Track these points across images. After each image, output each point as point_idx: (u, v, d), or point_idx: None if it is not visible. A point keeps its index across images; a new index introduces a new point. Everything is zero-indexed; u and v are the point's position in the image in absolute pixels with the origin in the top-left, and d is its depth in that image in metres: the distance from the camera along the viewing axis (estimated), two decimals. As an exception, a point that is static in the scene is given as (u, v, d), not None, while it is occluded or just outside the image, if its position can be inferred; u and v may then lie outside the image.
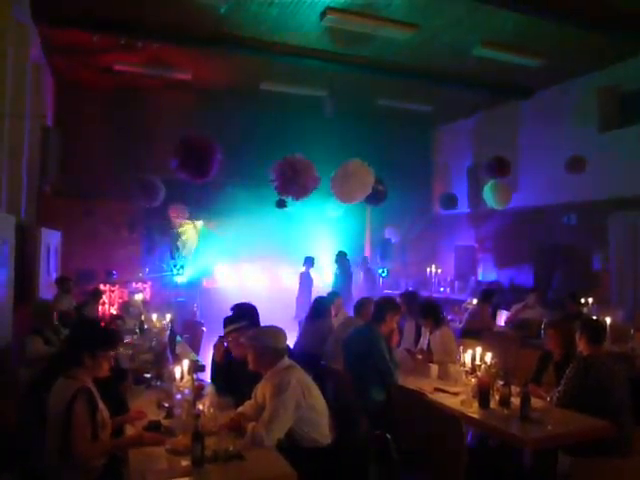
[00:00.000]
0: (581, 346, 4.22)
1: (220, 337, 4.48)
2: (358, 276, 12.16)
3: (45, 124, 9.72)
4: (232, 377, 4.22)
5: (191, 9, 8.24)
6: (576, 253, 10.96)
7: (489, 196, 10.73)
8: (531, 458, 3.79)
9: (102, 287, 10.02)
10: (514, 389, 4.02)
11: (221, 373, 4.42)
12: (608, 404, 3.80)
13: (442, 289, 12.92)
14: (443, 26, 8.71)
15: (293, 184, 6.93)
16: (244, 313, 4.52)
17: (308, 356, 5.38)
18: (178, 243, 12.98)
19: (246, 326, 4.18)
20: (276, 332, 3.70)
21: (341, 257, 10.97)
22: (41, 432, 3.17)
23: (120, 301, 10.29)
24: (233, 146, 10.67)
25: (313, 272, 11.50)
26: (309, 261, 11.34)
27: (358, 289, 11.61)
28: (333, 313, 6.57)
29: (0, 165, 6.69)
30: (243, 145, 12.10)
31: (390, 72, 10.70)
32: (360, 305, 5.93)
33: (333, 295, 6.93)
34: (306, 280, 11.24)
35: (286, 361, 3.60)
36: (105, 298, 10.32)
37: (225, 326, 4.37)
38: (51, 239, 8.89)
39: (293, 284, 11.91)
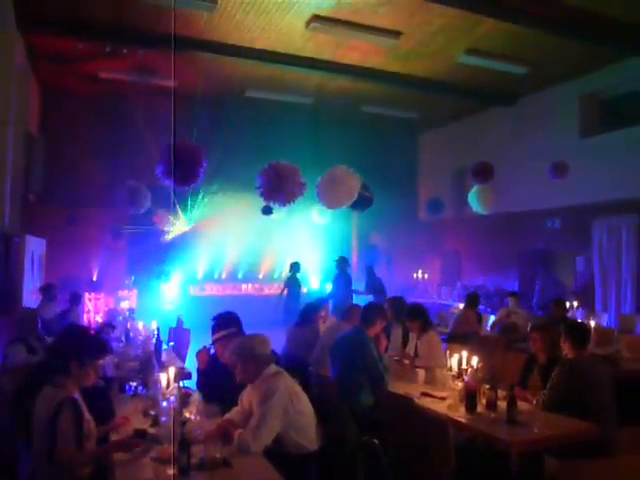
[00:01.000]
0: (566, 349, 4.26)
1: (203, 346, 4.47)
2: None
3: (30, 132, 9.65)
4: (218, 384, 4.20)
5: (176, 16, 8.24)
6: (560, 257, 11.08)
7: (474, 201, 10.80)
8: (517, 461, 3.81)
9: (87, 295, 9.95)
10: (500, 393, 4.04)
11: (207, 381, 4.40)
12: (593, 406, 3.84)
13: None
14: (427, 34, 8.79)
15: (278, 190, 6.94)
16: (231, 321, 4.51)
17: (295, 362, 5.37)
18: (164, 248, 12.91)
19: (235, 333, 4.17)
20: (259, 340, 3.68)
21: (342, 263, 10.97)
22: (26, 441, 3.13)
23: (105, 309, 10.21)
24: (219, 153, 10.66)
25: (299, 277, 11.48)
26: (295, 266, 11.34)
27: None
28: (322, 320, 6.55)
29: (-17, 173, 6.63)
30: (229, 152, 12.09)
31: (375, 79, 10.77)
32: (349, 310, 5.94)
33: (322, 301, 6.93)
34: (292, 285, 11.22)
35: (273, 368, 3.58)
36: (90, 306, 10.24)
37: (214, 333, 4.35)
38: (35, 247, 8.82)
39: (279, 290, 11.87)
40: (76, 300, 8.28)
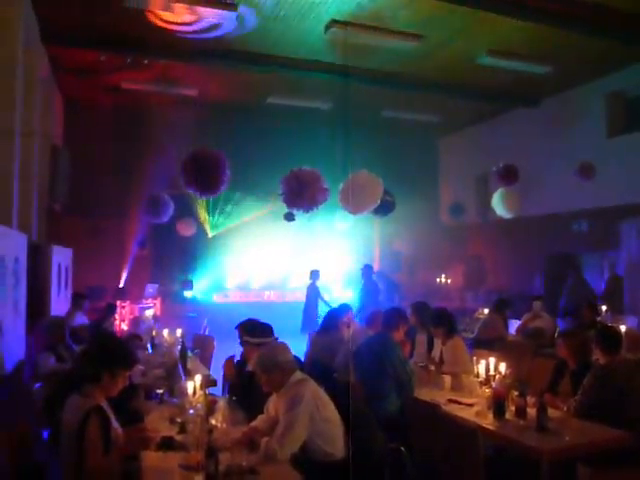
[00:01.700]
0: (597, 355, 4.16)
1: (228, 357, 4.51)
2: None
3: (54, 143, 9.81)
4: (245, 392, 4.21)
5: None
6: (587, 261, 10.89)
7: (498, 205, 10.69)
8: (548, 470, 3.73)
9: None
10: (529, 399, 3.97)
11: (234, 389, 4.41)
12: (626, 413, 3.74)
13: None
14: (448, 36, 8.74)
15: (300, 197, 6.94)
16: (269, 331, 4.62)
17: (320, 369, 5.34)
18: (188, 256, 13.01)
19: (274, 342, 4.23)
20: (280, 347, 3.69)
21: (367, 270, 10.94)
22: (55, 448, 3.15)
23: (131, 317, 10.30)
24: (241, 160, 10.70)
25: (319, 285, 11.48)
26: (315, 274, 11.35)
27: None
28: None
29: (11, 184, 6.74)
30: (251, 159, 12.16)
31: (395, 83, 10.73)
32: (372, 316, 5.90)
33: (345, 307, 6.90)
34: (312, 293, 11.23)
35: (298, 374, 3.57)
36: (116, 315, 10.34)
37: (254, 335, 4.42)
38: (62, 257, 8.93)
39: (302, 297, 11.87)
40: (111, 310, 8.41)
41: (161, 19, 7.98)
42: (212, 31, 8.29)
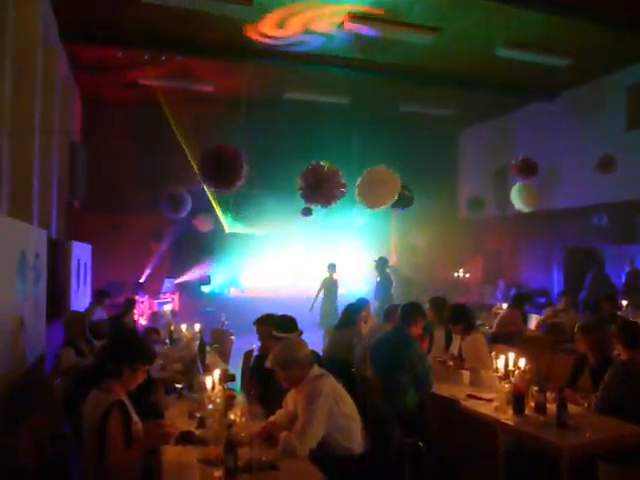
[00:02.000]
0: (619, 350, 4.11)
1: (248, 350, 4.56)
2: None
3: (73, 140, 9.90)
4: (264, 386, 4.23)
5: (214, 22, 8.34)
6: (608, 254, 10.75)
7: (517, 198, 10.60)
8: (568, 466, 3.69)
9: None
10: (549, 395, 3.93)
11: (252, 384, 4.44)
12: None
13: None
14: (465, 29, 8.65)
15: (318, 192, 6.94)
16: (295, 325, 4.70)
17: (338, 364, 5.35)
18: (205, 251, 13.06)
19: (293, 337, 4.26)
20: (295, 342, 3.69)
21: (381, 263, 10.87)
22: (77, 442, 3.18)
23: (149, 312, 10.40)
24: (259, 156, 10.76)
25: (337, 277, 11.44)
26: (332, 267, 11.31)
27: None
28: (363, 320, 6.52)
29: (31, 181, 6.82)
30: (269, 154, 12.19)
31: (413, 77, 10.66)
32: (389, 311, 5.88)
33: (363, 302, 6.88)
34: (329, 286, 11.19)
35: (316, 370, 3.57)
36: (135, 309, 10.43)
37: (281, 329, 4.51)
38: (81, 252, 9.03)
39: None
40: (131, 305, 8.48)
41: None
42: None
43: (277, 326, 4.61)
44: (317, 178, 6.72)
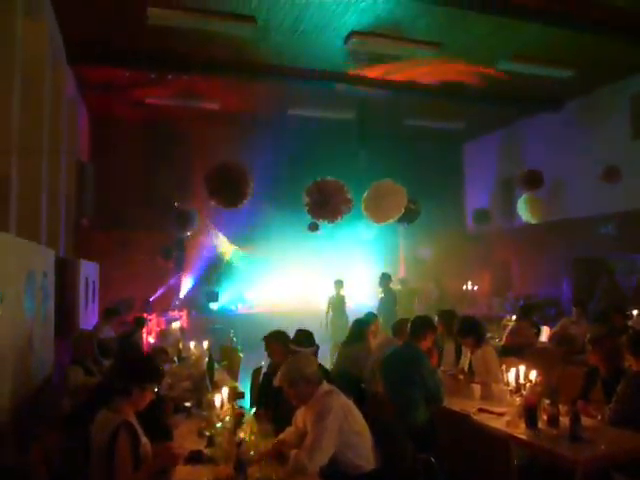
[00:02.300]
0: (631, 361, 4.06)
1: (257, 368, 4.58)
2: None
3: (81, 159, 9.99)
4: (273, 403, 4.20)
5: (218, 40, 8.43)
6: (617, 264, 10.67)
7: (523, 210, 10.57)
8: (582, 479, 3.64)
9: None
10: (561, 407, 3.88)
11: (261, 401, 4.43)
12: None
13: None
14: (468, 43, 8.70)
15: (324, 208, 6.95)
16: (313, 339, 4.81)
17: (347, 379, 5.31)
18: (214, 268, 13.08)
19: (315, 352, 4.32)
20: (304, 359, 3.66)
21: (385, 279, 10.88)
22: (85, 464, 3.16)
23: (158, 329, 10.39)
24: (265, 172, 10.80)
25: (343, 293, 11.46)
26: (339, 283, 11.34)
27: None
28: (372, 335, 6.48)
29: (39, 200, 6.87)
30: (275, 171, 12.24)
31: (417, 91, 10.70)
32: (398, 325, 5.85)
33: (371, 316, 6.85)
34: (337, 302, 11.21)
35: (325, 386, 3.54)
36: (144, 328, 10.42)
37: (300, 344, 4.59)
38: (90, 271, 9.06)
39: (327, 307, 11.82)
40: (140, 324, 8.47)
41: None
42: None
43: (294, 339, 4.63)
44: (322, 194, 6.73)
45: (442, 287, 14.00)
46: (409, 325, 5.18)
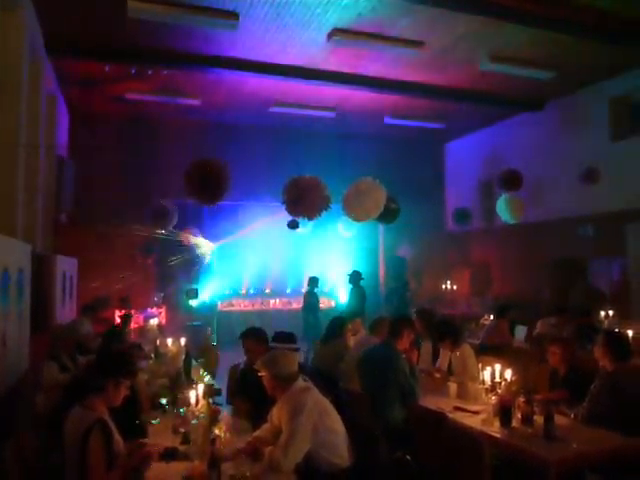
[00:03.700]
0: (604, 361, 4.11)
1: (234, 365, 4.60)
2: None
3: (60, 155, 9.86)
4: (249, 400, 4.20)
5: (198, 35, 8.37)
6: (593, 265, 10.82)
7: (502, 210, 10.66)
8: (556, 478, 3.69)
9: (117, 312, 10.08)
10: (536, 406, 3.93)
11: (237, 398, 4.42)
12: (638, 421, 3.69)
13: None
14: (450, 42, 8.74)
15: (301, 205, 6.94)
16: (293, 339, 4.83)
17: (324, 377, 5.32)
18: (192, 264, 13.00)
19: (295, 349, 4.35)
20: (285, 357, 3.67)
21: (354, 277, 10.92)
22: (60, 461, 3.13)
23: (136, 326, 10.29)
24: (245, 169, 10.78)
25: (317, 291, 11.52)
26: (313, 281, 11.40)
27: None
28: (351, 333, 6.48)
29: (16, 195, 6.76)
30: (256, 167, 12.23)
31: (398, 90, 10.73)
32: (376, 323, 5.87)
33: (351, 315, 6.87)
34: (311, 299, 11.27)
35: (300, 383, 3.54)
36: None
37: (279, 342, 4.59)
38: (67, 266, 8.95)
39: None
40: (127, 319, 8.43)
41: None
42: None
43: (275, 337, 4.65)
44: (299, 191, 6.72)
45: (421, 283, 14.10)
46: (387, 323, 5.22)
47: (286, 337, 4.79)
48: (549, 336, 7.53)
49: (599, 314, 7.91)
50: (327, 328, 6.34)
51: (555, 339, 4.69)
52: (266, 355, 3.71)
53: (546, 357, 6.26)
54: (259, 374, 3.62)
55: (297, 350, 4.46)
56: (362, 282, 10.99)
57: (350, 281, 10.93)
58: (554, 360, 4.55)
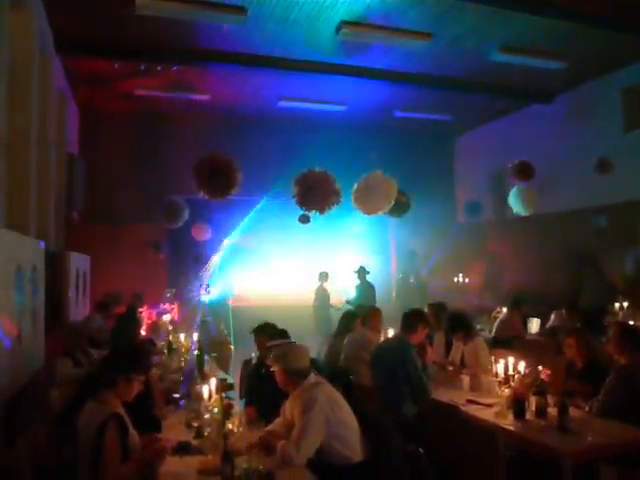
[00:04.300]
0: (617, 354, 4.08)
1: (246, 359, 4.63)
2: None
3: (70, 152, 9.91)
4: (261, 394, 4.21)
5: (207, 30, 8.37)
6: (607, 257, 10.71)
7: (514, 202, 10.58)
8: (570, 471, 3.66)
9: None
10: (550, 399, 3.91)
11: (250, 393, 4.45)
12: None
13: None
14: (459, 33, 8.67)
15: (311, 199, 6.92)
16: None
17: (337, 372, 5.33)
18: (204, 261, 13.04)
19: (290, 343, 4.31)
20: (298, 352, 3.68)
21: (361, 272, 10.90)
22: (74, 455, 3.15)
23: (148, 322, 10.34)
24: (256, 164, 10.76)
25: (327, 286, 11.49)
26: (323, 276, 11.39)
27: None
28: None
29: (29, 193, 6.81)
30: (266, 162, 12.21)
31: (408, 82, 10.67)
32: (366, 315, 5.89)
33: (361, 309, 6.86)
34: (322, 294, 11.26)
35: (312, 378, 3.55)
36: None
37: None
38: (80, 263, 9.01)
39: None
40: (139, 300, 8.44)
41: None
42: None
43: (271, 337, 4.65)
44: (309, 185, 6.70)
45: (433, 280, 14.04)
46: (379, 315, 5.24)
47: (282, 335, 4.85)
48: (564, 328, 7.52)
49: (613, 307, 7.85)
50: (339, 323, 6.35)
51: (570, 331, 4.63)
52: (277, 350, 3.71)
53: (562, 349, 6.26)
54: (271, 369, 3.63)
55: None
56: (371, 277, 10.96)
57: (357, 277, 10.92)
58: (571, 352, 4.50)
